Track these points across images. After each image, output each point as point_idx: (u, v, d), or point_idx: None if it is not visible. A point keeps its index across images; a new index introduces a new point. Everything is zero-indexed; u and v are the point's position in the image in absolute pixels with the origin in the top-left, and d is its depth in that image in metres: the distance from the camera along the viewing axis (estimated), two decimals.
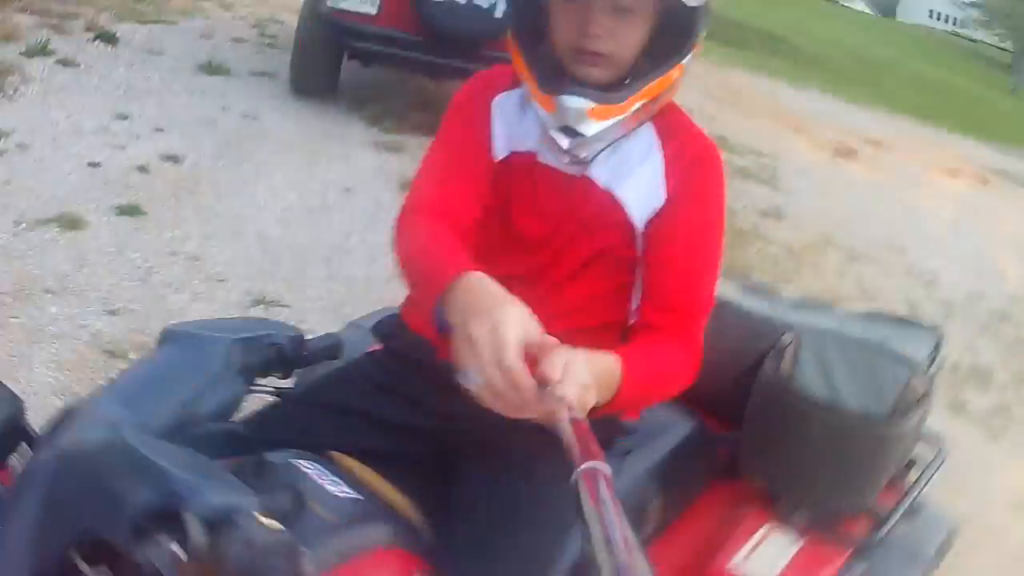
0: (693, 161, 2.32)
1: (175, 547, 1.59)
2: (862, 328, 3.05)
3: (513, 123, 2.37)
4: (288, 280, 5.96)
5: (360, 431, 2.37)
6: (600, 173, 2.31)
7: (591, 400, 1.78)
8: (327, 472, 2.08)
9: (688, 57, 2.24)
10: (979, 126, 24.90)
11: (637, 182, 2.30)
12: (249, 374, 2.23)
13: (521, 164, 2.35)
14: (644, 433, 2.54)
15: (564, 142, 2.23)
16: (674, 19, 2.22)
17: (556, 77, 2.27)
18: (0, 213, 5.97)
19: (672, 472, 2.69)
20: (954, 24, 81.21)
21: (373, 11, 9.20)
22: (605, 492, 1.39)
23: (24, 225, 5.89)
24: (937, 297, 9.46)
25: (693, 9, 2.19)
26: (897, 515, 2.78)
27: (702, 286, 2.30)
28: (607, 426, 2.25)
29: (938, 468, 3.03)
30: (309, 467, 2.06)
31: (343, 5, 9.17)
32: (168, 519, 1.61)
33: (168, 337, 2.18)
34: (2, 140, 7.00)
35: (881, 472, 2.77)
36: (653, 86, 2.22)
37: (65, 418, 1.87)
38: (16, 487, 1.80)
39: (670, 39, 2.24)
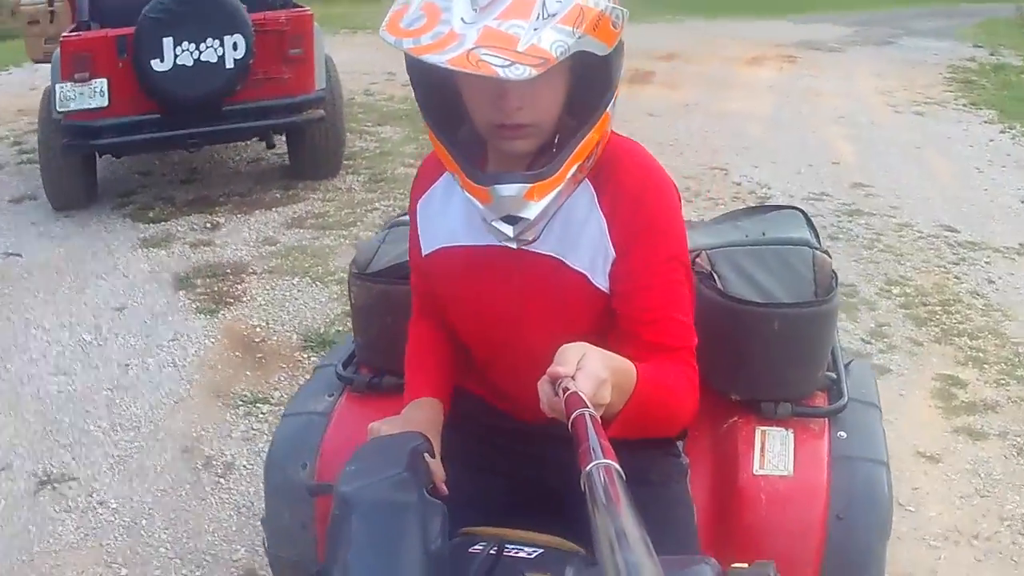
0: (631, 203, 2.28)
1: None
2: (739, 229, 3.30)
3: (437, 219, 2.44)
4: (72, 445, 5.67)
5: (469, 505, 2.37)
6: (547, 244, 2.29)
7: (606, 395, 1.80)
8: (493, 544, 2.12)
9: (611, 104, 2.21)
10: (769, 3, 24.94)
11: (586, 245, 2.29)
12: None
13: (455, 255, 2.41)
14: None
15: (508, 230, 2.17)
16: (589, 70, 2.15)
17: (483, 160, 2.33)
18: None
19: None
20: None
21: (104, 102, 8.88)
22: (617, 489, 1.40)
23: None
24: None
25: (608, 57, 2.13)
26: (845, 377, 3.16)
27: (679, 321, 2.29)
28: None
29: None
30: (479, 548, 2.11)
31: (72, 106, 8.84)
32: None
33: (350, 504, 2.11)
34: None
35: (828, 347, 3.11)
36: (584, 144, 2.16)
37: None
38: None
39: (590, 91, 2.20)
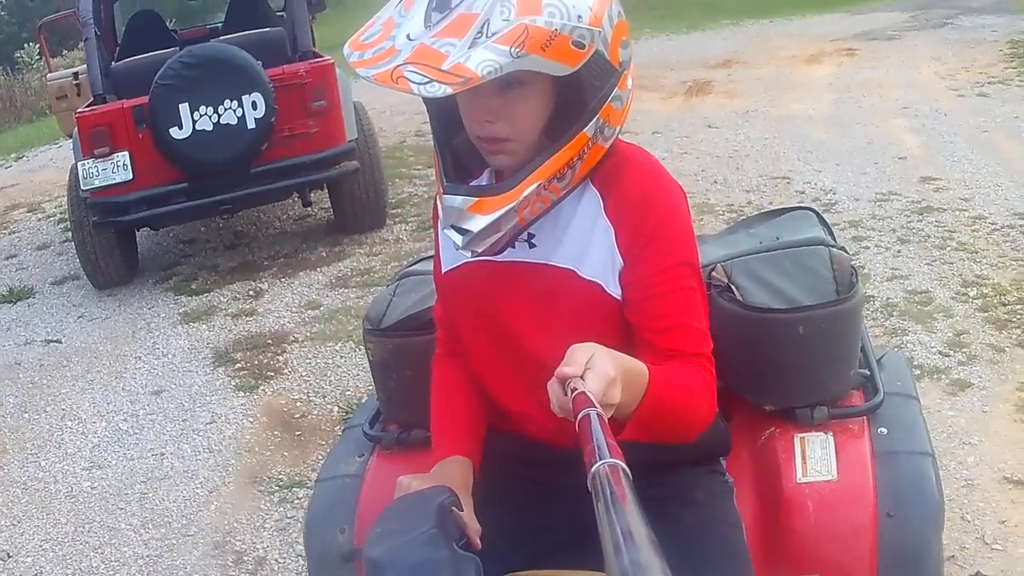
0: (636, 210, 2.28)
1: None
2: (752, 236, 3.24)
3: None
4: (102, 546, 5.41)
5: (510, 553, 2.41)
6: (560, 256, 2.32)
7: (616, 395, 1.81)
8: None
9: (590, 125, 2.19)
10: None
11: (596, 254, 2.30)
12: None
13: (472, 270, 2.40)
14: None
15: (457, 239, 2.21)
16: (568, 90, 2.16)
17: (472, 167, 2.40)
18: None
19: None
20: None
21: (129, 176, 8.72)
22: (623, 488, 1.39)
23: None
24: (842, 221, 8.65)
25: (580, 77, 2.11)
26: (879, 372, 3.08)
27: (693, 327, 2.29)
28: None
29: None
30: None
31: (97, 183, 8.69)
32: None
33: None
34: None
35: (856, 344, 3.04)
36: (550, 163, 2.17)
37: None
38: None
39: (564, 111, 2.19)
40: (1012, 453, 5.08)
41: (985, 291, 6.99)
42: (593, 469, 1.44)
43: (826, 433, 2.93)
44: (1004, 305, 6.73)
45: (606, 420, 1.62)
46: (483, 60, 1.94)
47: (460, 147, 2.37)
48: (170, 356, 7.82)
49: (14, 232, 12.27)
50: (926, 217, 8.62)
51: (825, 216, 6.76)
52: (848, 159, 10.70)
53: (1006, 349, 6.15)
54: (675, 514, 2.39)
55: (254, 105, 8.54)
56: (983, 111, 12.27)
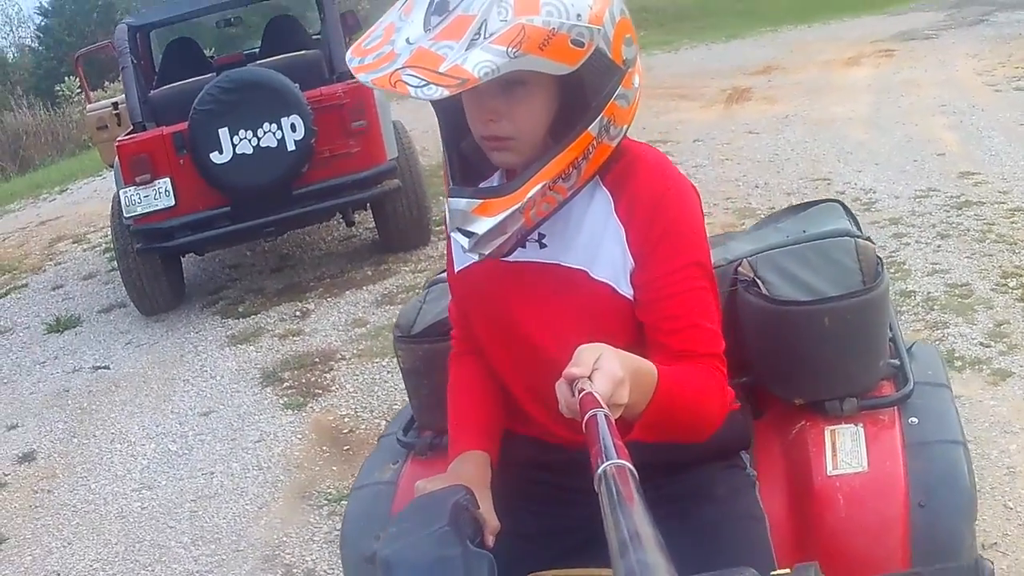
0: (647, 210, 2.28)
1: None
2: (779, 231, 3.24)
3: None
4: (152, 564, 5.48)
5: (530, 555, 2.42)
6: (572, 256, 2.32)
7: (624, 395, 1.82)
8: None
9: (594, 124, 2.18)
10: (860, 2, 24.49)
11: (607, 255, 2.30)
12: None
13: (484, 270, 2.41)
14: None
15: (464, 242, 2.21)
16: (571, 89, 2.16)
17: (481, 169, 2.38)
18: None
19: None
20: None
21: (171, 202, 8.80)
22: (630, 488, 1.39)
23: None
24: (882, 218, 8.70)
25: (581, 76, 2.11)
26: (909, 361, 3.06)
27: (705, 327, 2.28)
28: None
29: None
30: None
31: (139, 210, 8.79)
32: None
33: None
34: None
35: (884, 334, 3.03)
36: (554, 163, 2.17)
37: None
38: None
39: (569, 111, 2.19)
40: None
41: None
42: (599, 470, 1.45)
43: (856, 425, 2.92)
44: None
45: (613, 421, 1.63)
46: (480, 61, 1.95)
47: (468, 150, 2.38)
48: (218, 378, 7.89)
49: (60, 263, 12.39)
50: (965, 211, 8.59)
51: (865, 214, 6.69)
52: (887, 158, 10.69)
53: None
54: (695, 510, 2.41)
55: (293, 127, 8.59)
56: (1020, 105, 12.23)
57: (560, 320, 2.33)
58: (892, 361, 3.07)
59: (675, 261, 2.26)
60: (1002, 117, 11.74)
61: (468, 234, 2.19)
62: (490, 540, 2.28)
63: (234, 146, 8.54)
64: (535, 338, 2.38)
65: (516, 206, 2.16)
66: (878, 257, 2.98)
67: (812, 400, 2.96)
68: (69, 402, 8.01)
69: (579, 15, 2.04)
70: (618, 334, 2.20)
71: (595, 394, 1.69)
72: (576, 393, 1.74)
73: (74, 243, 13.22)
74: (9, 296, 11.34)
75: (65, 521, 6.19)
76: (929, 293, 6.94)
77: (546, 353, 2.32)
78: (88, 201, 15.67)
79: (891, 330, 3.17)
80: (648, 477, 1.94)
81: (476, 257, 2.31)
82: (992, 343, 6.14)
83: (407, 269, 9.55)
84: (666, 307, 2.25)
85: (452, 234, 2.27)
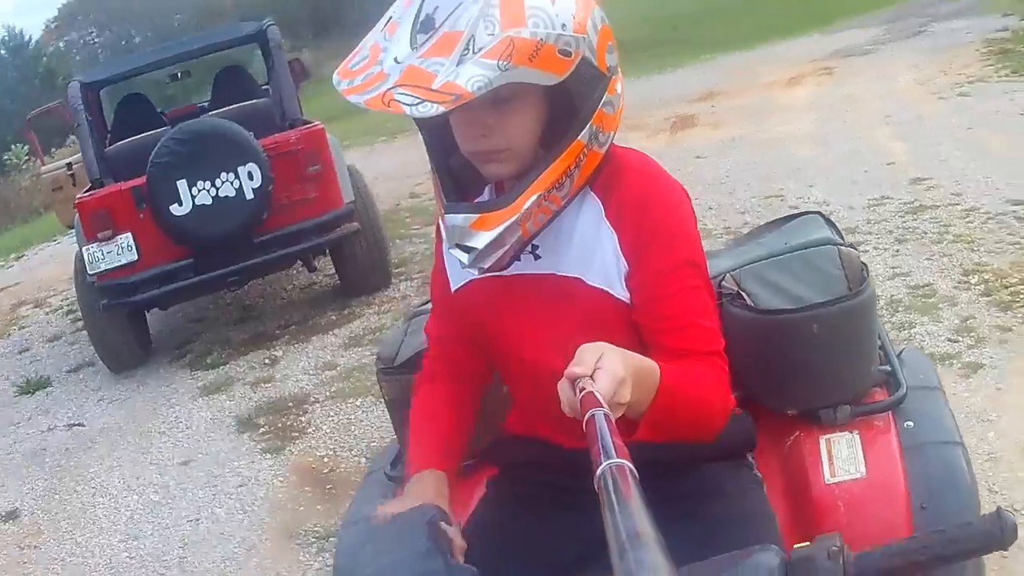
0: (636, 212, 2.29)
1: None
2: (761, 245, 3.21)
3: None
4: None
5: (537, 565, 2.46)
6: (566, 265, 2.33)
7: (626, 394, 1.81)
8: None
9: (584, 131, 2.20)
10: (798, 22, 24.68)
11: (600, 260, 2.31)
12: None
13: (482, 287, 2.41)
14: None
15: (463, 258, 2.22)
16: (559, 98, 2.17)
17: (471, 185, 2.40)
18: None
19: None
20: None
21: (134, 256, 8.85)
22: (630, 488, 1.38)
23: None
24: (840, 228, 8.73)
25: (569, 85, 2.13)
26: (899, 367, 3.07)
27: (704, 326, 2.29)
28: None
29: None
30: None
31: (103, 267, 8.82)
32: None
33: None
34: None
35: (874, 339, 3.04)
36: (547, 174, 2.18)
37: None
38: None
39: (558, 121, 2.21)
40: None
41: (986, 277, 7.11)
42: (599, 470, 1.44)
43: (851, 432, 2.92)
44: (1006, 288, 6.85)
45: (613, 420, 1.61)
46: (472, 76, 1.96)
47: (456, 167, 2.37)
48: (193, 427, 7.92)
49: (23, 327, 12.47)
50: (920, 215, 8.76)
51: None
52: (837, 171, 10.83)
53: (1013, 328, 6.29)
54: (705, 508, 2.40)
55: (250, 175, 8.66)
56: (965, 110, 12.43)
57: (559, 329, 2.33)
58: (883, 367, 3.09)
59: (668, 261, 2.27)
60: (948, 124, 11.92)
61: (467, 249, 2.20)
62: (459, 559, 2.28)
63: (193, 197, 8.59)
64: (535, 349, 2.39)
65: (513, 218, 2.17)
66: (862, 263, 2.99)
67: (805, 410, 2.96)
68: (47, 460, 8.02)
69: (564, 25, 2.05)
70: (617, 338, 2.12)
71: (596, 393, 1.68)
72: (578, 392, 1.73)
73: (35, 307, 13.32)
74: None
75: (54, 574, 6.23)
76: (892, 296, 7.08)
77: (547, 363, 2.29)
78: (44, 266, 15.76)
79: (879, 337, 3.18)
80: (657, 475, 2.04)
81: (474, 273, 2.34)
82: (960, 338, 6.28)
83: (371, 311, 9.61)
84: (663, 307, 2.26)
85: (451, 251, 2.25)
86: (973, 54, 15.83)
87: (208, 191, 8.62)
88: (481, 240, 2.18)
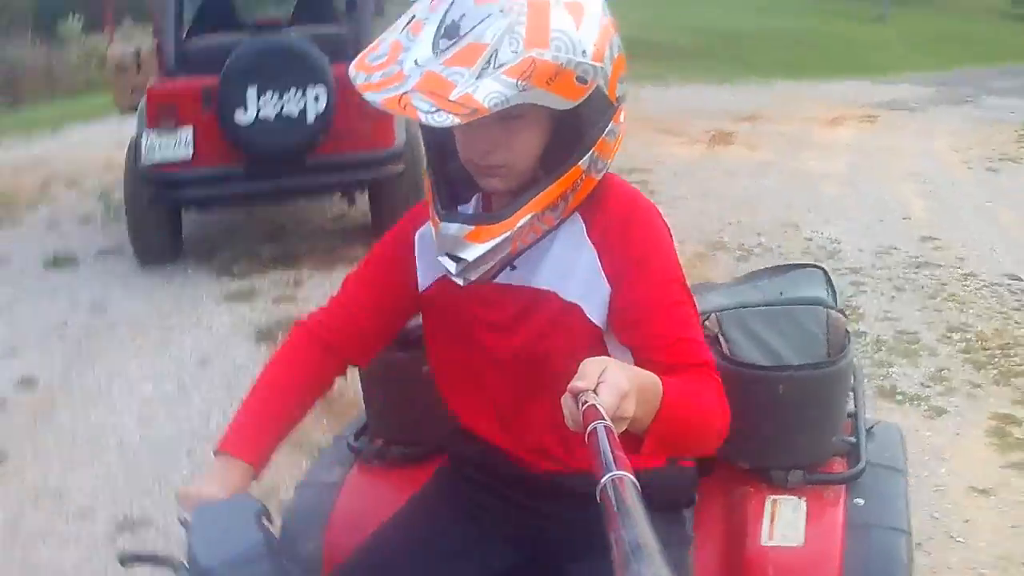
0: (620, 231, 2.29)
1: None
2: (756, 289, 3.23)
3: (434, 253, 2.32)
4: (152, 492, 5.80)
5: (464, 565, 2.50)
6: (541, 278, 2.32)
7: (630, 409, 1.78)
8: None
9: (585, 158, 2.20)
10: (853, 65, 24.66)
11: (579, 278, 2.30)
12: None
13: (453, 288, 2.32)
14: None
15: (451, 267, 2.21)
16: (566, 122, 2.18)
17: (462, 192, 2.37)
18: None
19: None
20: None
21: (189, 154, 9.04)
22: (631, 500, 1.39)
23: None
24: (843, 267, 9.15)
25: (578, 111, 2.14)
26: (865, 441, 3.04)
27: (693, 339, 2.27)
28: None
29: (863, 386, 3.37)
30: None
31: (158, 157, 9.01)
32: None
33: None
34: None
35: (842, 410, 3.04)
36: (544, 195, 2.19)
37: None
38: None
39: (561, 144, 2.20)
40: (980, 469, 5.71)
41: (968, 336, 7.59)
42: (601, 482, 1.44)
43: (799, 497, 2.89)
44: (985, 349, 7.34)
45: (615, 433, 1.61)
46: (491, 92, 1.97)
47: (452, 173, 2.36)
48: (214, 331, 8.21)
49: (54, 203, 12.61)
50: (922, 271, 9.13)
51: (828, 262, 7.16)
52: (856, 215, 11.08)
53: (982, 385, 6.78)
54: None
55: (316, 99, 8.88)
56: (990, 184, 12.64)
57: (526, 338, 2.36)
58: (848, 438, 3.07)
59: (653, 280, 2.28)
60: (970, 192, 12.15)
61: (457, 259, 2.20)
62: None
63: (259, 108, 8.81)
64: (498, 355, 2.41)
65: (507, 234, 2.18)
66: (847, 331, 2.98)
67: (758, 467, 2.95)
68: (68, 335, 8.29)
69: (584, 52, 2.08)
70: (581, 353, 2.13)
71: (599, 406, 1.67)
72: (580, 406, 1.72)
73: (67, 187, 13.39)
74: (5, 229, 11.58)
75: (65, 445, 6.48)
76: (879, 336, 7.53)
77: (508, 369, 2.40)
78: (81, 147, 15.79)
79: (855, 405, 3.19)
80: (584, 508, 2.13)
81: (449, 276, 2.28)
82: (932, 384, 6.77)
83: None
84: (652, 327, 2.25)
85: (439, 258, 2.24)
86: (1012, 134, 15.91)
87: (274, 105, 8.84)
88: (473, 252, 2.18)
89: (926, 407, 6.45)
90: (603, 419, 1.62)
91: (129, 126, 10.38)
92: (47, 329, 8.46)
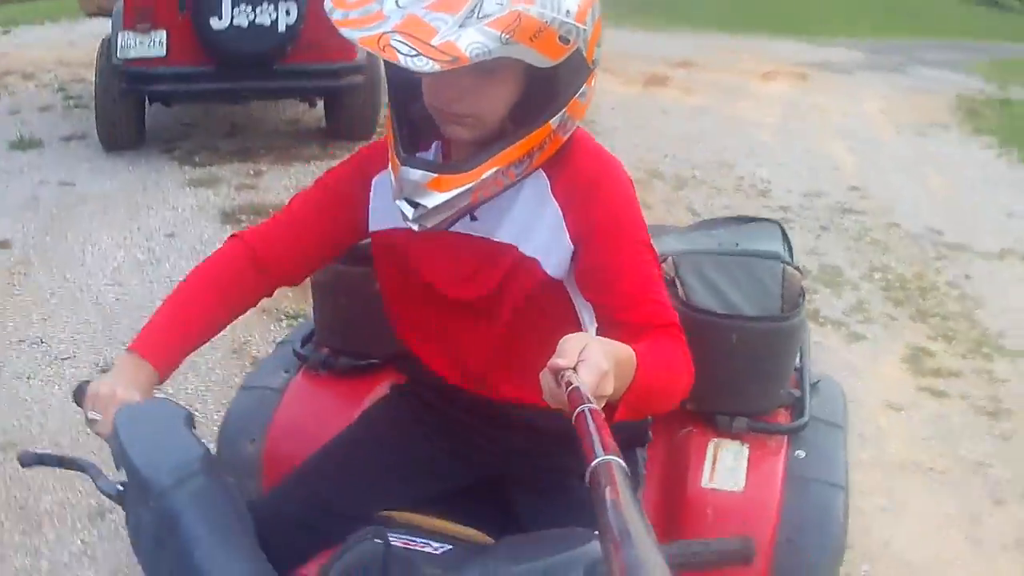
0: (585, 193, 2.27)
1: None
2: (712, 237, 3.27)
3: (391, 200, 2.28)
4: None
5: (411, 482, 2.53)
6: (503, 232, 2.31)
7: (609, 387, 1.75)
8: (407, 535, 2.11)
9: (557, 117, 2.18)
10: (793, 25, 24.81)
11: (540, 233, 2.29)
12: None
13: (411, 236, 2.28)
14: None
15: (408, 212, 2.17)
16: (540, 79, 2.14)
17: (423, 138, 2.33)
18: None
19: None
20: None
21: (163, 52, 9.44)
22: (619, 485, 1.37)
23: None
24: (773, 204, 9.67)
25: (556, 70, 2.11)
26: (809, 396, 3.10)
27: (659, 301, 2.24)
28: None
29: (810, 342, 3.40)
30: (394, 538, 2.05)
31: (132, 54, 9.41)
32: None
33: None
34: None
35: (791, 363, 3.10)
36: (510, 151, 2.16)
37: None
38: None
39: (533, 101, 2.18)
40: (895, 388, 6.34)
41: (889, 277, 8.19)
42: (592, 466, 1.42)
43: (742, 444, 2.93)
44: (904, 289, 7.96)
45: (601, 414, 1.58)
46: (473, 41, 1.92)
47: (414, 115, 2.30)
48: (180, 209, 8.64)
49: (13, 94, 12.84)
50: (847, 215, 9.68)
51: (759, 199, 7.70)
52: (787, 161, 11.50)
53: (899, 319, 7.42)
54: (573, 489, 2.40)
55: (287, 12, 9.37)
56: (919, 147, 13.03)
57: (483, 287, 2.35)
58: (793, 391, 3.10)
59: (623, 242, 2.26)
60: (899, 153, 12.56)
61: (414, 205, 2.16)
62: None
63: (232, 16, 9.28)
64: (454, 302, 2.41)
65: (469, 185, 2.15)
66: (802, 288, 3.01)
67: (704, 410, 2.97)
68: (40, 207, 8.68)
69: (568, 11, 2.04)
70: (538, 311, 2.34)
71: (582, 388, 1.64)
72: (561, 384, 1.69)
73: (24, 79, 13.59)
74: None
75: (44, 299, 6.92)
76: (804, 266, 7.81)
77: (469, 321, 2.42)
78: (33, 47, 15.89)
79: (801, 360, 3.23)
80: (539, 443, 2.40)
81: (405, 220, 2.22)
82: (853, 314, 7.41)
83: (348, 154, 10.12)
84: (620, 287, 2.23)
85: (397, 202, 2.20)
86: (942, 104, 16.23)
87: (247, 14, 9.31)
88: (432, 200, 2.14)
89: (846, 332, 7.08)
90: (589, 401, 1.60)
91: (81, 27, 10.57)
92: (18, 202, 8.80)
